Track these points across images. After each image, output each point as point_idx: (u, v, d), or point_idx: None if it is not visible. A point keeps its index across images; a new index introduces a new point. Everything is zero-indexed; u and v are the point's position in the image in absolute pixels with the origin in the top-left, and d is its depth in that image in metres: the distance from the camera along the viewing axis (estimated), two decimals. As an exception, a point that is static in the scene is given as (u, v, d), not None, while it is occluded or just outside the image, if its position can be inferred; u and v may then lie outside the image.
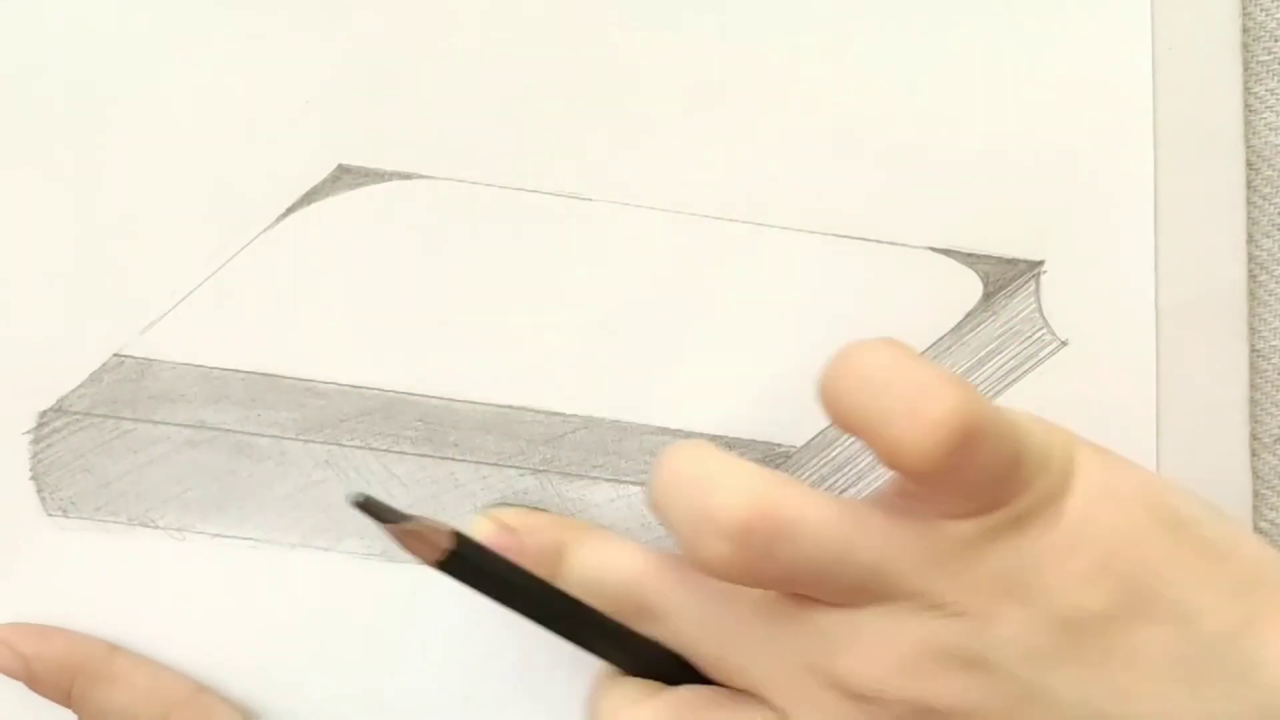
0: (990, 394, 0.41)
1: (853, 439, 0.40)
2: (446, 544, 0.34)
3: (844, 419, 0.34)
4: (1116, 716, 0.34)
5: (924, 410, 0.32)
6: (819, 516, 0.34)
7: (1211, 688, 0.34)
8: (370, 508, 0.33)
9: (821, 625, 0.35)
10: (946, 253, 0.41)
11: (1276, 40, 0.42)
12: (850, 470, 0.41)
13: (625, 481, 0.41)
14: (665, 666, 0.36)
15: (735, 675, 0.36)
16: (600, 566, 0.37)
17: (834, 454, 0.41)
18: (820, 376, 0.34)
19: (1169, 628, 0.34)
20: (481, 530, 0.39)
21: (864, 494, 0.41)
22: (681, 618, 0.36)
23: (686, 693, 0.36)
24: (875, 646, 0.34)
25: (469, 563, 0.34)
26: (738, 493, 0.33)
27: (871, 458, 0.40)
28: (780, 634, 0.35)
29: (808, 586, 0.34)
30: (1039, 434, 0.35)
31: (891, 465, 0.33)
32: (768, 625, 0.35)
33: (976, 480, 0.33)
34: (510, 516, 0.40)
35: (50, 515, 0.40)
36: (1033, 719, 0.34)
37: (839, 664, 0.34)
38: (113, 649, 0.40)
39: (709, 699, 0.36)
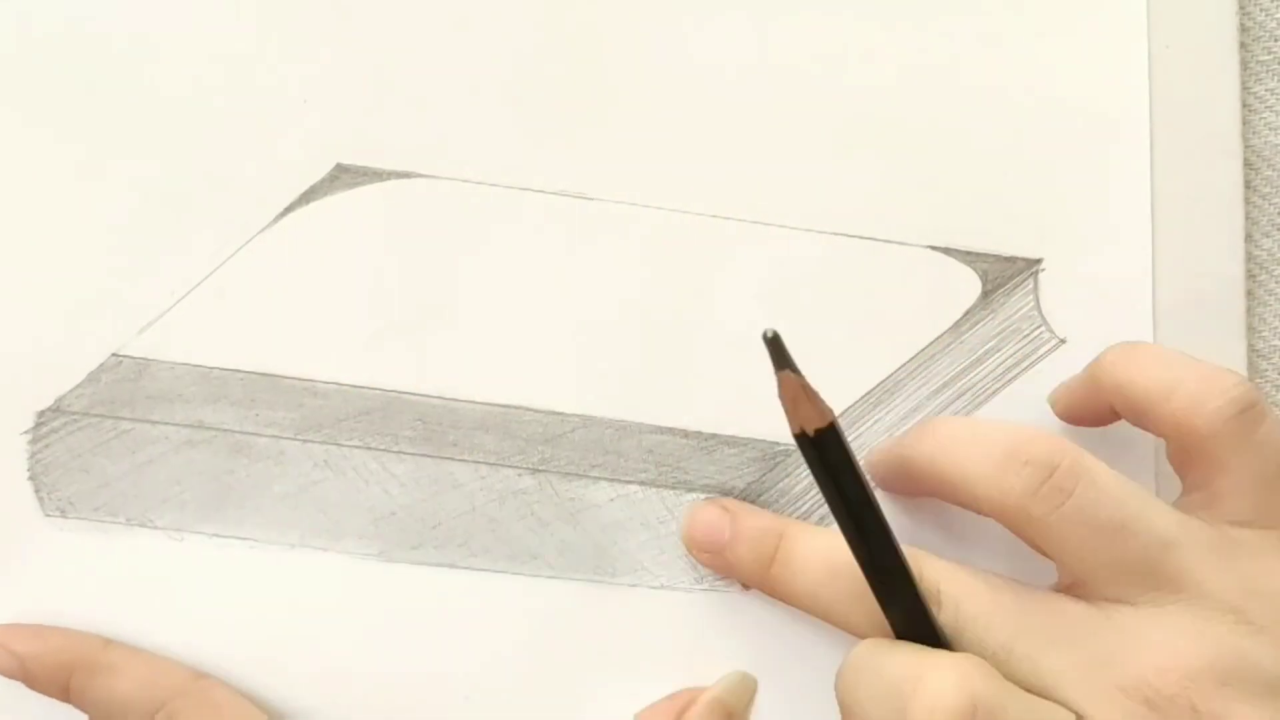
0: (989, 391, 0.41)
1: (850, 438, 0.41)
2: (829, 417, 0.33)
3: (1131, 388, 0.36)
4: None
5: (1217, 378, 0.35)
6: (1114, 475, 0.35)
7: None
8: (777, 347, 0.32)
9: (1120, 623, 0.34)
10: (945, 251, 0.41)
11: (1275, 40, 0.42)
12: None
13: (624, 481, 0.40)
14: (937, 643, 0.35)
15: (1022, 667, 0.35)
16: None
17: (833, 452, 0.41)
18: (1101, 359, 0.37)
19: None
20: (700, 511, 0.40)
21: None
22: (968, 603, 0.35)
23: (985, 668, 0.34)
24: (1175, 649, 0.33)
25: (831, 445, 0.34)
26: (1039, 434, 0.35)
27: (868, 457, 0.40)
28: (1074, 628, 0.34)
29: (1104, 543, 0.34)
30: None
31: (1178, 424, 0.35)
32: (1060, 618, 0.35)
33: (1256, 461, 0.35)
34: (730, 503, 0.40)
35: (48, 515, 0.40)
36: None
37: (1137, 664, 0.33)
38: (108, 642, 0.40)
39: (1007, 686, 0.34)
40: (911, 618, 0.35)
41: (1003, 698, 0.33)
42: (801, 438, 0.33)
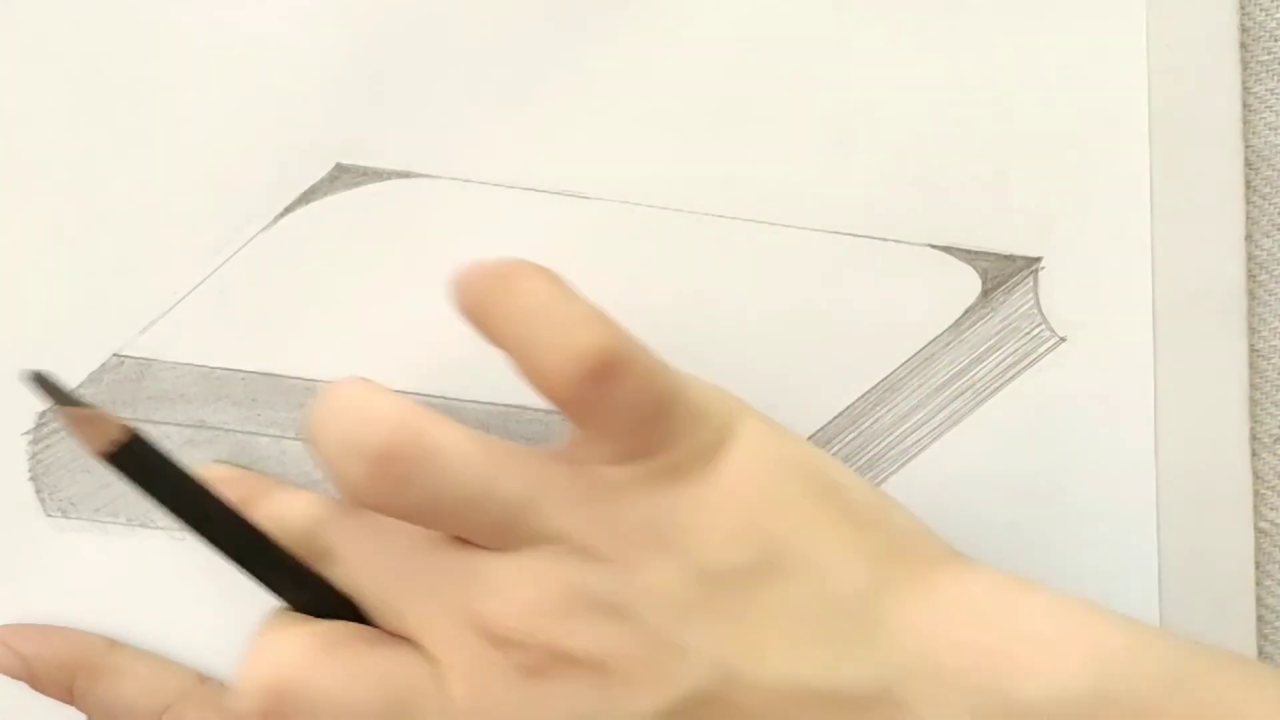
0: (988, 390, 0.41)
1: (850, 437, 0.41)
2: (118, 436, 0.33)
3: (495, 338, 0.35)
4: (745, 673, 0.34)
5: (573, 340, 0.34)
6: (464, 447, 0.34)
7: (839, 646, 0.34)
8: (44, 383, 0.32)
9: (475, 568, 0.35)
10: (945, 249, 0.41)
11: (1276, 40, 0.42)
12: (850, 468, 0.41)
13: (625, 480, 0.40)
14: (340, 611, 0.36)
15: (394, 619, 0.35)
16: (282, 511, 0.37)
17: (833, 451, 0.41)
18: (470, 286, 0.36)
19: (803, 585, 0.35)
20: None
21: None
22: (352, 558, 0.36)
23: (338, 626, 0.35)
24: (518, 589, 0.34)
25: (140, 461, 0.34)
26: (384, 418, 0.34)
27: (871, 458, 0.40)
28: (437, 577, 0.35)
29: (451, 520, 0.35)
30: (700, 390, 0.36)
31: (536, 387, 0.35)
32: (427, 568, 0.35)
33: (620, 417, 0.35)
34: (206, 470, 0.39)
35: (50, 516, 0.40)
36: (663, 670, 0.34)
37: (484, 607, 0.34)
38: (112, 643, 0.40)
39: (360, 634, 0.35)
40: (302, 595, 0.36)
41: (312, 676, 0.34)
42: (109, 458, 0.33)
